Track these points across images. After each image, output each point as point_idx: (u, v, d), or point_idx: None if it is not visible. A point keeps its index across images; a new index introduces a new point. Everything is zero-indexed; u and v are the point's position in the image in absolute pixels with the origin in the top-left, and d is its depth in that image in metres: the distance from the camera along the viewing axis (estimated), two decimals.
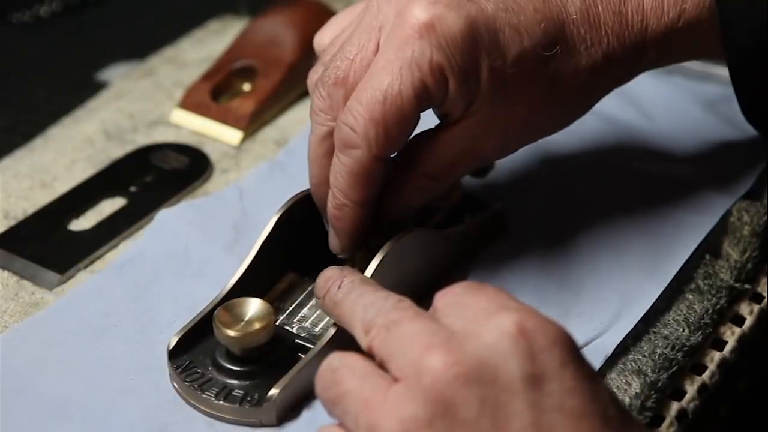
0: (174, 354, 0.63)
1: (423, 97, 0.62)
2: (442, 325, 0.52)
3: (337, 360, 0.53)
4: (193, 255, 0.70)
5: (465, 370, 0.49)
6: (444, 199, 0.70)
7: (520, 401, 0.49)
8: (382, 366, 0.52)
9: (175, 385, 0.63)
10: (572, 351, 0.51)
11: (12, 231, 0.73)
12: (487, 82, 0.62)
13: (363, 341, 0.54)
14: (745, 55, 0.66)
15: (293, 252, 0.67)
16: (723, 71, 0.78)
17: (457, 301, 0.53)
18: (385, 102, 0.61)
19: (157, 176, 0.77)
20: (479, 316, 0.51)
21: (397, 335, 0.52)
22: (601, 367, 0.63)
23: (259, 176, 0.77)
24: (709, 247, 0.70)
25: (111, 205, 0.75)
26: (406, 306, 0.54)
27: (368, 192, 0.63)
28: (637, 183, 0.75)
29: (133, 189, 0.76)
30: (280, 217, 0.66)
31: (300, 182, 0.71)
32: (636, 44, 0.65)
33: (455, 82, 0.62)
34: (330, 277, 0.60)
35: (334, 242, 0.66)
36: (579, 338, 0.64)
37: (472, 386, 0.49)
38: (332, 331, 0.62)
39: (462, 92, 0.62)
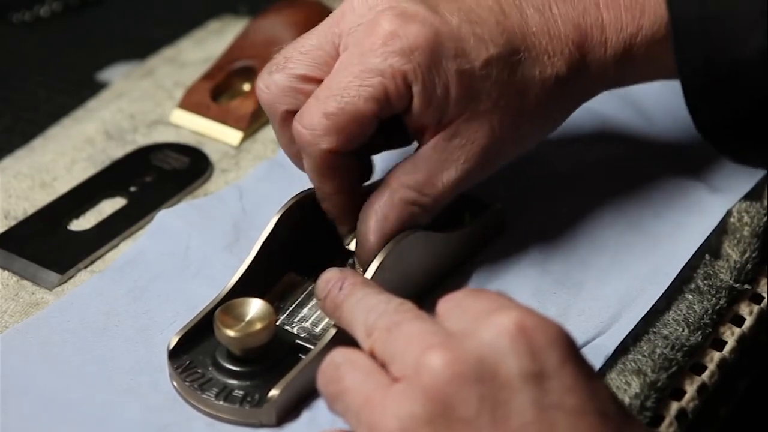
0: (174, 354, 0.63)
1: (381, 101, 0.63)
2: (443, 326, 0.52)
3: (340, 356, 0.54)
4: (194, 255, 0.70)
5: (464, 368, 0.50)
6: None
7: (520, 398, 0.49)
8: (384, 368, 0.53)
9: (175, 385, 0.63)
10: (571, 349, 0.51)
11: (12, 231, 0.73)
12: (457, 90, 0.64)
13: (365, 344, 0.54)
14: (697, 73, 0.68)
15: (294, 252, 0.67)
16: None
17: (459, 305, 0.53)
18: (341, 100, 0.63)
19: (157, 176, 0.77)
20: (479, 317, 0.51)
21: (398, 336, 0.53)
22: (601, 367, 0.63)
23: (259, 176, 0.77)
24: (710, 247, 0.70)
25: (111, 205, 0.75)
26: (407, 308, 0.54)
27: (340, 182, 0.65)
28: (638, 184, 0.75)
29: (133, 189, 0.76)
30: (280, 217, 0.66)
31: (300, 182, 0.71)
32: (597, 57, 0.67)
33: (420, 89, 0.63)
34: (330, 279, 0.60)
35: (340, 230, 0.67)
36: (579, 337, 0.64)
37: (471, 384, 0.49)
38: (333, 331, 0.62)
39: (428, 99, 0.63)
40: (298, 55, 0.65)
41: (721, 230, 0.71)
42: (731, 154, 0.72)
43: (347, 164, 0.65)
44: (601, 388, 0.51)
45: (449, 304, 0.54)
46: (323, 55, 0.65)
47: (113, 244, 0.72)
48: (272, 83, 0.65)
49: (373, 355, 0.53)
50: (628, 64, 0.68)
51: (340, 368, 0.53)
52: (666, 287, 0.67)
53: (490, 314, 0.51)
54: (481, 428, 0.49)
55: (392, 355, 0.52)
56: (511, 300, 0.53)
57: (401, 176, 0.65)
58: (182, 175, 0.77)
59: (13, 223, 0.74)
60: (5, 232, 0.73)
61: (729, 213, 0.72)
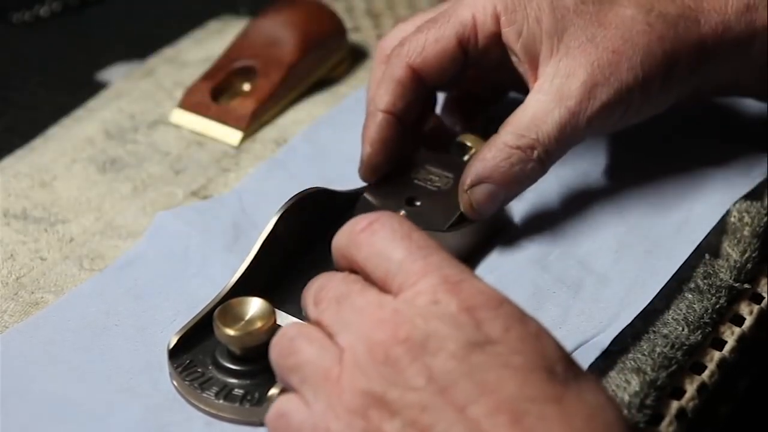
0: (174, 353, 0.63)
1: (468, 27, 0.69)
2: (387, 296, 0.54)
3: (294, 330, 0.55)
4: (194, 254, 0.70)
5: (413, 343, 0.51)
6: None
7: (466, 366, 0.51)
8: (330, 337, 0.54)
9: (175, 384, 0.63)
10: (514, 315, 0.52)
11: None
12: (549, 20, 0.67)
13: (312, 314, 0.56)
14: None
15: (295, 250, 0.67)
16: None
17: (379, 252, 0.55)
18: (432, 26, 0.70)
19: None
20: (419, 290, 0.53)
21: (346, 308, 0.54)
22: (599, 364, 0.63)
23: (258, 176, 0.77)
24: (709, 246, 0.70)
25: None
26: (354, 279, 0.56)
27: (394, 100, 0.70)
28: (638, 183, 0.75)
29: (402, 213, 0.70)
30: (281, 216, 0.66)
31: (300, 180, 0.71)
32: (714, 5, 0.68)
33: (509, 19, 0.68)
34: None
35: (363, 148, 0.71)
36: (577, 337, 0.65)
37: (420, 357, 0.51)
38: None
39: (518, 31, 0.68)
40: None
41: (721, 230, 0.71)
42: None
43: (411, 93, 0.70)
44: (549, 347, 0.52)
45: (367, 249, 0.55)
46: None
47: None
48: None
49: (320, 325, 0.55)
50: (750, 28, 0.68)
51: (295, 341, 0.54)
52: (663, 285, 0.67)
53: (433, 291, 0.53)
54: (431, 396, 0.50)
55: (342, 325, 0.54)
56: (431, 253, 0.54)
57: (506, 123, 0.68)
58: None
59: (12, 221, 0.74)
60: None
61: (729, 213, 0.72)
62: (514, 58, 0.70)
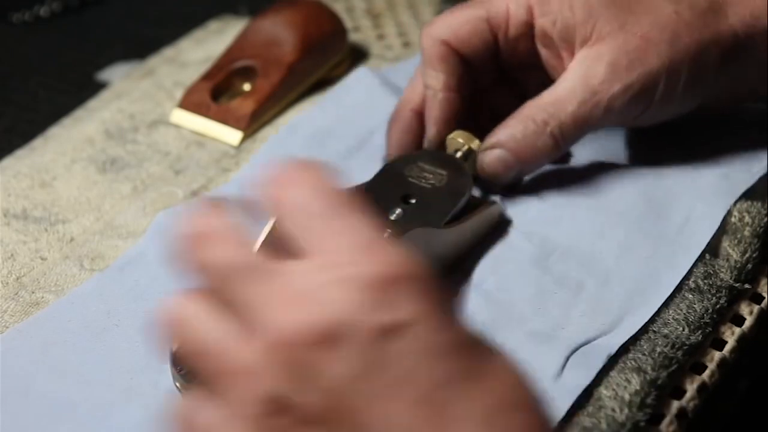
0: (175, 354, 0.63)
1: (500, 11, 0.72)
2: (292, 274, 0.49)
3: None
4: None
5: (322, 332, 0.46)
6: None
7: (384, 351, 0.46)
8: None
9: (176, 384, 0.63)
10: (428, 291, 0.47)
11: None
12: (581, 10, 0.70)
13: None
14: None
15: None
16: None
17: (307, 213, 0.50)
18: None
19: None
20: (331, 262, 0.48)
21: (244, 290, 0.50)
22: (603, 366, 0.63)
23: (258, 167, 0.77)
24: (710, 247, 0.70)
25: None
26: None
27: (446, 78, 0.72)
28: (639, 183, 0.75)
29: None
30: None
31: None
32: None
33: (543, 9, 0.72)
34: None
35: (428, 130, 0.74)
36: (579, 336, 0.64)
37: (332, 347, 0.46)
38: None
39: (553, 20, 0.71)
40: None
41: (722, 230, 0.71)
42: None
43: (457, 65, 0.72)
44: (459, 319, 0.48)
45: (304, 218, 0.51)
46: None
47: None
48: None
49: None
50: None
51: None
52: (669, 293, 0.67)
53: (347, 266, 0.47)
54: (359, 390, 0.46)
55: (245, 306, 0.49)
56: (361, 229, 0.48)
57: (535, 98, 0.71)
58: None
59: (12, 221, 0.74)
60: None
61: (729, 212, 0.72)
62: (543, 52, 0.72)
